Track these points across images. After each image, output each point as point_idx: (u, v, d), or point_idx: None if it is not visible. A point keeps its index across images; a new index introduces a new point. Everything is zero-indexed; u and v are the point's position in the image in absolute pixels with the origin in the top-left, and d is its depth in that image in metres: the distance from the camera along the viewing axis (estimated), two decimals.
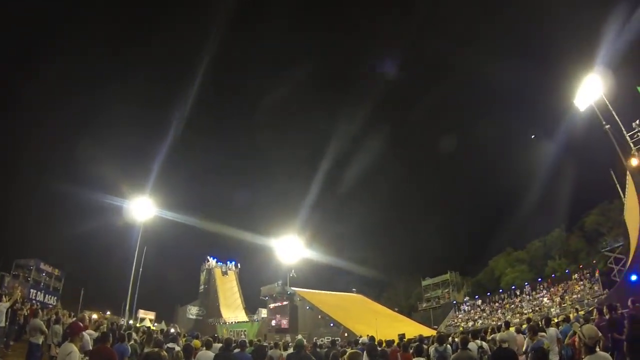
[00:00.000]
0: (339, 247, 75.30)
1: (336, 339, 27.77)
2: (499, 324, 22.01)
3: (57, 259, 54.86)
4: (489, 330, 15.50)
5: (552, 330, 10.40)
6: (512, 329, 12.19)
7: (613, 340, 9.53)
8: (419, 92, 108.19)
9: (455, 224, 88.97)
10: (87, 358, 7.45)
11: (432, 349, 10.98)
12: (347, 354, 5.64)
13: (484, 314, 54.86)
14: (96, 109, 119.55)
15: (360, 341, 15.30)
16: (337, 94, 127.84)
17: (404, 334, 19.10)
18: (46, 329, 11.94)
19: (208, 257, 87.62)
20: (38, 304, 30.47)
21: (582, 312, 21.25)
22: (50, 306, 36.35)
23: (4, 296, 14.04)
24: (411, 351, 10.31)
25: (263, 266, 69.83)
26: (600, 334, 4.63)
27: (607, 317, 10.58)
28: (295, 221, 66.56)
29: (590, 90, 28.63)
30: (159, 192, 46.32)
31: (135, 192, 41.99)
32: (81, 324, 7.41)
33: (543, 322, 11.18)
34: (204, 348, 9.62)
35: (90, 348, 8.87)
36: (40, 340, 11.52)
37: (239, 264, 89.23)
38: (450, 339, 14.34)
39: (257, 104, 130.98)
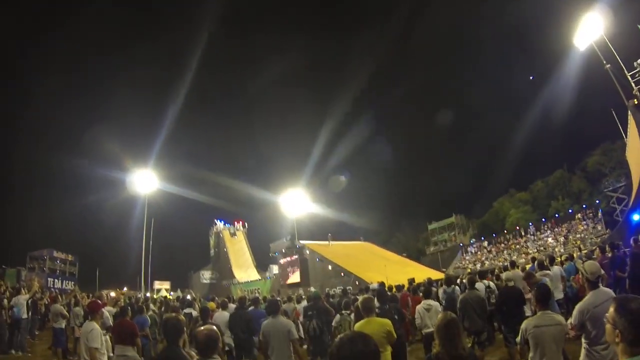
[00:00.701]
0: (345, 197, 75.87)
1: (348, 287, 28.45)
2: (505, 264, 22.51)
3: (69, 245, 56.01)
4: (496, 270, 15.89)
5: (556, 268, 10.65)
6: (517, 269, 12.53)
7: (615, 278, 9.79)
8: (419, 39, 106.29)
9: (459, 167, 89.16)
10: (109, 334, 7.71)
11: (440, 291, 11.34)
12: (360, 300, 5.74)
13: (491, 255, 55.97)
14: (98, 82, 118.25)
15: (370, 287, 15.73)
16: (340, 54, 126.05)
17: (413, 279, 19.52)
18: (67, 313, 12.32)
19: (215, 221, 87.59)
20: (56, 290, 31.13)
21: (584, 251, 21.64)
22: (69, 291, 37.11)
23: (22, 289, 14.45)
24: (420, 294, 10.61)
25: (270, 223, 70.47)
26: (602, 270, 4.78)
27: (609, 255, 10.90)
28: (300, 176, 66.76)
29: (590, 29, 27.66)
30: (163, 162, 46.76)
31: (138, 165, 42.17)
32: (99, 302, 7.69)
33: (547, 261, 11.46)
34: (220, 309, 10.08)
35: (111, 324, 9.21)
36: (63, 324, 11.92)
37: (246, 224, 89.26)
38: (458, 280, 14.80)
39: (260, 69, 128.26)
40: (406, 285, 15.88)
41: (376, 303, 6.90)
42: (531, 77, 67.40)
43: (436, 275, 35.76)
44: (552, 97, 58.33)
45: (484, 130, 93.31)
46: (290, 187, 58.78)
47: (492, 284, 10.62)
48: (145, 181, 40.62)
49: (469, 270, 37.08)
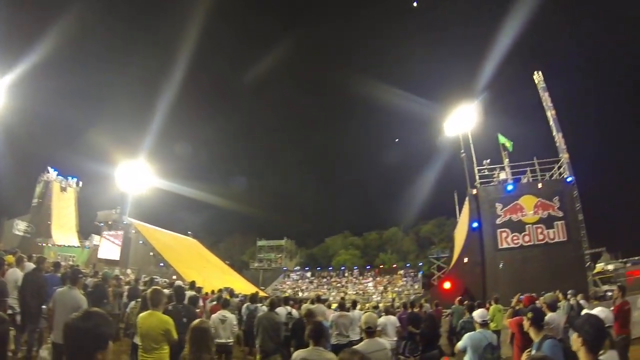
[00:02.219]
0: (190, 185, 72.95)
1: (164, 280, 27.02)
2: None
3: None
4: (308, 301, 16.06)
5: (356, 312, 11.24)
6: (324, 305, 12.83)
7: (408, 332, 10.60)
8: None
9: (305, 197, 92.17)
10: None
11: (244, 307, 11.69)
12: (149, 291, 5.78)
13: (311, 286, 57.85)
14: None
15: (175, 284, 15.13)
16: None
17: (229, 288, 19.26)
18: None
19: (49, 168, 75.29)
20: None
21: (388, 304, 23.39)
22: None
23: None
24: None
25: (105, 189, 64.36)
26: (377, 323, 5.19)
27: (409, 311, 11.96)
28: (144, 147, 62.26)
29: (460, 120, 31.83)
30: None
31: None
32: None
33: (351, 305, 12.22)
34: (15, 266, 8.80)
35: None
36: None
37: (80, 182, 79.27)
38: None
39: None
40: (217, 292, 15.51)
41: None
42: (396, 140, 75.91)
43: (253, 290, 35.73)
44: (413, 165, 64.05)
45: (342, 172, 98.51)
46: (134, 157, 54.72)
47: (294, 312, 10.84)
48: None
49: (286, 295, 37.66)
